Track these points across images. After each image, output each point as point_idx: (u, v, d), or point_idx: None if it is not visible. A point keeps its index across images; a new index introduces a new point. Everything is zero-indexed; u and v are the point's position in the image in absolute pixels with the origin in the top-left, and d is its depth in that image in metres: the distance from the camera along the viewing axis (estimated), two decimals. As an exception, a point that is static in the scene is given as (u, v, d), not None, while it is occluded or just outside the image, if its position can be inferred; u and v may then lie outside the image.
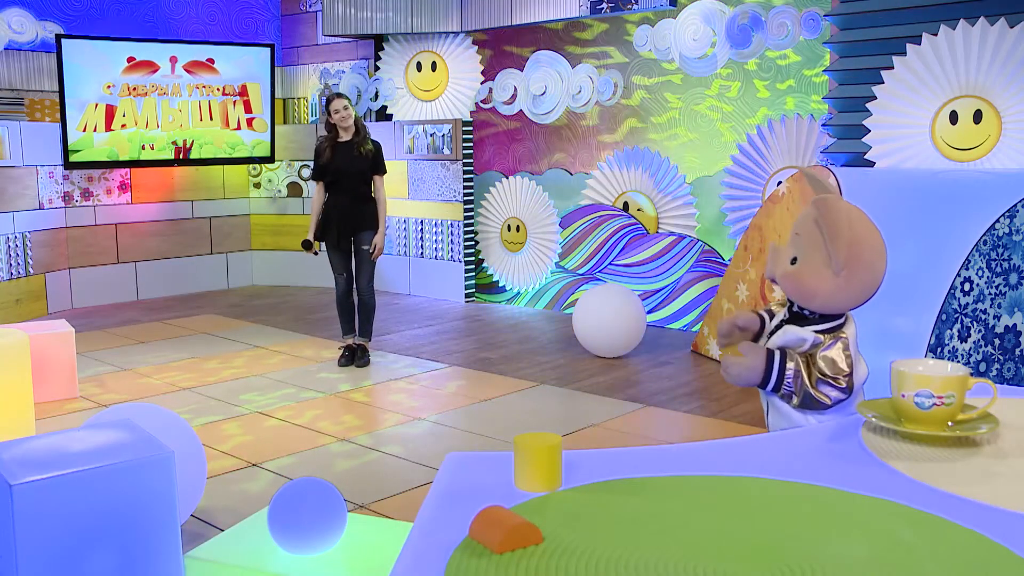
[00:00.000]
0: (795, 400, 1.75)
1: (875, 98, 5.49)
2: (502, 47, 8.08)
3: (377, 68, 8.71)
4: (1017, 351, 4.27)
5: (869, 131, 5.53)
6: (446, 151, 8.09)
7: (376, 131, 7.99)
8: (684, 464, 1.39)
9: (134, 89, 7.95)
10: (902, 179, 4.98)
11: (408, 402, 5.08)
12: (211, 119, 8.41)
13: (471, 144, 8.11)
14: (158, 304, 8.13)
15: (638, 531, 1.13)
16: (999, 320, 4.21)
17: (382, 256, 8.30)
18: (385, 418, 4.80)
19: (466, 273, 8.17)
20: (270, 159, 8.81)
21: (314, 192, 5.85)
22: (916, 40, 5.31)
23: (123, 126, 7.94)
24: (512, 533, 1.06)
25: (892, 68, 5.41)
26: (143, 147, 8.08)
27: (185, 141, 8.30)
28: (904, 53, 5.36)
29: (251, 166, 9.00)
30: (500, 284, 8.18)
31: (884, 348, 3.42)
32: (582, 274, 7.59)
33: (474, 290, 8.27)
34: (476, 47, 8.12)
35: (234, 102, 8.51)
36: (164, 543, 2.29)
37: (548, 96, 7.58)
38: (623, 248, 7.29)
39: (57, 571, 2.14)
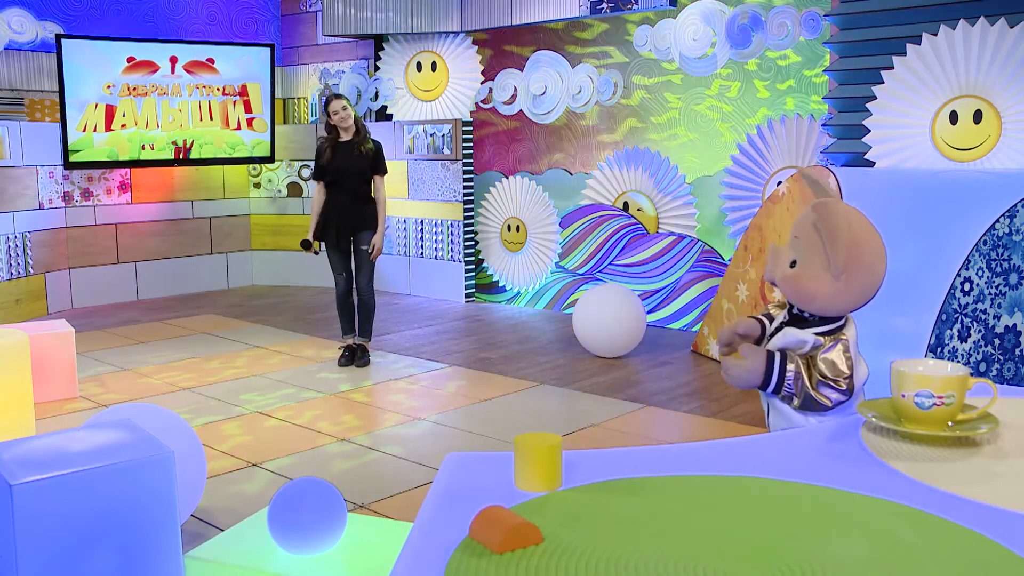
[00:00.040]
0: (796, 402, 1.75)
1: (875, 98, 5.49)
2: (502, 47, 8.08)
3: (377, 68, 8.71)
4: (1017, 351, 4.27)
5: (869, 131, 5.53)
6: (446, 151, 8.09)
7: (376, 131, 7.99)
8: (684, 464, 1.39)
9: (134, 89, 7.95)
10: (902, 179, 4.98)
11: (408, 402, 5.08)
12: (211, 119, 8.41)
13: (471, 144, 8.11)
14: (158, 304, 8.13)
15: (638, 531, 1.13)
16: (999, 320, 4.21)
17: (382, 256, 8.31)
18: (385, 418, 4.80)
19: (466, 273, 8.17)
20: (270, 159, 8.81)
21: (314, 192, 5.86)
22: (916, 40, 5.31)
23: (123, 126, 7.94)
24: (512, 533, 1.06)
25: (892, 68, 5.41)
26: (143, 147, 8.08)
27: (185, 141, 8.31)
28: (904, 53, 5.36)
29: (251, 166, 9.00)
30: (500, 284, 8.18)
31: (884, 348, 3.42)
32: (582, 274, 7.59)
33: (474, 290, 8.27)
34: (476, 47, 8.12)
35: (234, 102, 8.51)
36: (164, 543, 2.29)
37: (548, 96, 7.58)
38: (623, 248, 7.29)
39: (57, 571, 2.14)
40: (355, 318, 5.92)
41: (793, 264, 1.75)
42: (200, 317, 7.49)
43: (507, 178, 8.07)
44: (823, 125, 5.99)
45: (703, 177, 6.85)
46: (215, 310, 7.81)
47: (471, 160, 8.11)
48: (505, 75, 7.83)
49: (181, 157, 8.32)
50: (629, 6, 6.77)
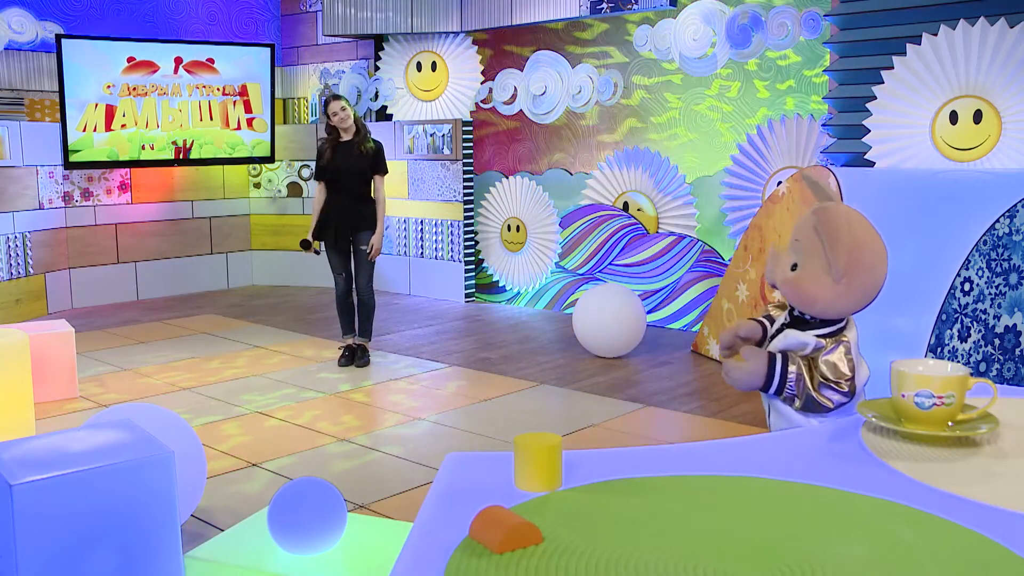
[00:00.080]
0: (797, 403, 1.75)
1: (875, 98, 5.49)
2: (502, 47, 8.08)
3: (377, 68, 8.71)
4: (1017, 351, 4.27)
5: (869, 131, 5.53)
6: (446, 151, 8.09)
7: (376, 131, 7.98)
8: (684, 464, 1.39)
9: (134, 89, 7.95)
10: (902, 179, 4.98)
11: (408, 402, 5.08)
12: (211, 119, 8.41)
13: (471, 144, 8.11)
14: (158, 304, 8.13)
15: (638, 531, 1.13)
16: (999, 320, 4.21)
17: (382, 256, 8.31)
18: (385, 418, 4.80)
19: (466, 273, 8.17)
20: (270, 159, 8.81)
21: (315, 192, 5.86)
22: (916, 40, 5.31)
23: (123, 126, 7.94)
24: (512, 533, 1.06)
25: (892, 68, 5.41)
26: (143, 147, 8.08)
27: (185, 141, 8.31)
28: (904, 53, 5.36)
29: (251, 166, 9.01)
30: (500, 284, 8.18)
31: (884, 348, 3.41)
32: (582, 274, 7.59)
33: (474, 290, 8.27)
34: (476, 47, 8.12)
35: (234, 102, 8.51)
36: (164, 543, 2.29)
37: (548, 96, 7.58)
38: (623, 248, 7.29)
39: (57, 571, 2.14)
40: (355, 318, 5.91)
41: (794, 267, 1.75)
42: (200, 317, 7.49)
43: (507, 178, 8.07)
44: (823, 125, 5.99)
45: (703, 177, 6.85)
46: (215, 310, 7.81)
47: (471, 160, 8.11)
48: (505, 75, 7.83)
49: (181, 157, 8.32)
50: (629, 6, 6.77)
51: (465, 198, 8.09)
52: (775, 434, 1.60)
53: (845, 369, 1.71)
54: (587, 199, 7.51)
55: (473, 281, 8.25)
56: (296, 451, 4.25)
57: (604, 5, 6.90)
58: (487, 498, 1.21)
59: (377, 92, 8.66)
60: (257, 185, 9.11)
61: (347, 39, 8.93)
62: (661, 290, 7.06)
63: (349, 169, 5.69)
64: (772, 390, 1.76)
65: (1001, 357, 4.23)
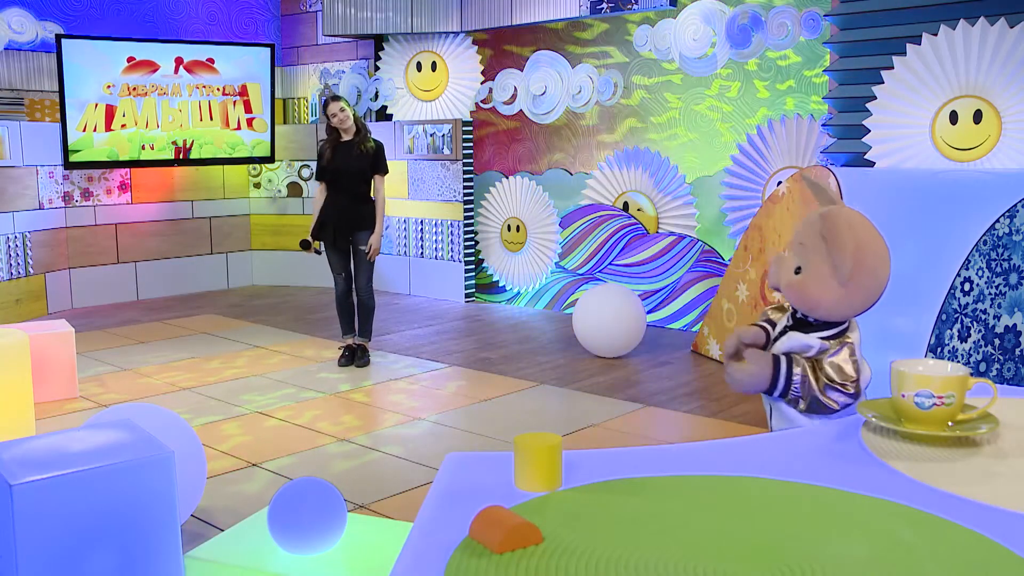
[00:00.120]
0: (802, 404, 1.75)
1: (875, 98, 5.49)
2: (502, 47, 8.08)
3: (377, 68, 8.71)
4: (1017, 351, 4.27)
5: (869, 131, 5.53)
6: (446, 151, 8.09)
7: (376, 131, 7.98)
8: (684, 464, 1.39)
9: (134, 89, 7.95)
10: (902, 179, 4.98)
11: (408, 402, 5.08)
12: (211, 119, 8.41)
13: (471, 144, 8.11)
14: (158, 304, 8.13)
15: (638, 531, 1.13)
16: (999, 320, 4.21)
17: (382, 256, 8.31)
18: (385, 418, 4.80)
19: (466, 273, 8.17)
20: (270, 159, 8.81)
21: (315, 192, 5.86)
22: (916, 40, 5.31)
23: (123, 126, 7.94)
24: (512, 533, 1.06)
25: (892, 68, 5.41)
26: (143, 147, 8.08)
27: (185, 141, 8.31)
28: (904, 53, 5.36)
29: (251, 166, 9.01)
30: (500, 284, 8.18)
31: (884, 348, 3.41)
32: (582, 274, 7.59)
33: (474, 290, 8.27)
34: (476, 47, 8.12)
35: (234, 102, 8.51)
36: (164, 543, 2.29)
37: (548, 96, 7.58)
38: (623, 248, 7.29)
39: (57, 571, 2.14)
40: (355, 318, 5.91)
41: (798, 271, 1.75)
42: (200, 317, 7.49)
43: (507, 178, 8.07)
44: (823, 125, 5.99)
45: (703, 177, 6.85)
46: (215, 310, 7.81)
47: (471, 160, 8.11)
48: (505, 75, 7.83)
49: (181, 157, 8.32)
50: (629, 6, 6.77)
51: (465, 198, 8.09)
52: (775, 434, 1.60)
53: (850, 371, 1.72)
54: (587, 199, 7.51)
55: (473, 281, 8.25)
56: (296, 451, 4.25)
57: (604, 5, 6.90)
58: (487, 498, 1.21)
59: (377, 92, 8.66)
60: (257, 185, 9.11)
61: (347, 39, 8.93)
62: (661, 290, 7.06)
63: (349, 169, 5.69)
64: (777, 392, 1.76)
65: (1001, 357, 4.23)
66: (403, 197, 8.44)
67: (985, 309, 4.16)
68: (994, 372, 4.22)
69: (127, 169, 8.18)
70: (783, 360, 1.75)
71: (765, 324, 1.92)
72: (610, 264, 7.39)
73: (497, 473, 1.32)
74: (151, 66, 8.01)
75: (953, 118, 5.22)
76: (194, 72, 8.24)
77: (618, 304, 5.91)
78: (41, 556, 2.12)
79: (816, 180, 1.91)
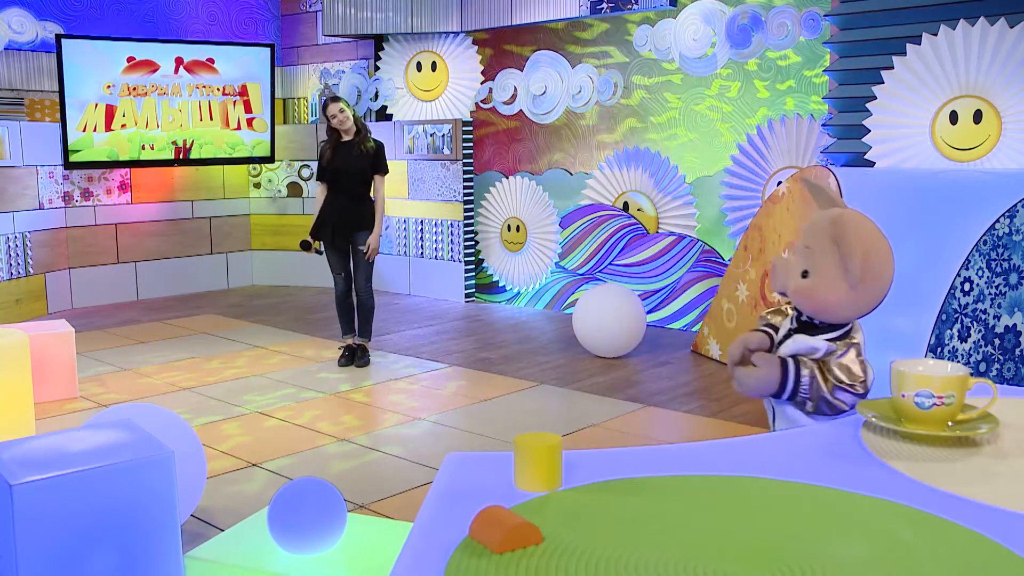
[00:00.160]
0: (809, 406, 1.75)
1: (875, 98, 5.49)
2: (502, 47, 8.08)
3: (377, 68, 8.71)
4: (1017, 351, 4.27)
5: (869, 131, 5.53)
6: (446, 151, 8.09)
7: (376, 131, 7.98)
8: (684, 464, 1.39)
9: (134, 89, 7.95)
10: (902, 179, 4.98)
11: (408, 402, 5.08)
12: (211, 119, 8.41)
13: (471, 144, 8.11)
14: (158, 304, 8.13)
15: (638, 531, 1.13)
16: (999, 320, 4.21)
17: (382, 256, 8.32)
18: (385, 418, 4.80)
19: (466, 273, 8.17)
20: (270, 159, 8.81)
21: (316, 192, 5.87)
22: (916, 40, 5.31)
23: (123, 126, 7.94)
24: (512, 533, 1.06)
25: (892, 68, 5.41)
26: (143, 147, 8.08)
27: (185, 141, 8.31)
28: (904, 53, 5.36)
29: (251, 166, 9.01)
30: (500, 284, 8.18)
31: (884, 348, 3.42)
32: (582, 274, 7.59)
33: (474, 290, 8.27)
34: (476, 47, 8.12)
35: (234, 102, 8.51)
36: (164, 543, 2.29)
37: (548, 96, 7.58)
38: (623, 248, 7.30)
39: (57, 571, 2.14)
40: (355, 318, 5.92)
41: (804, 274, 1.74)
42: (200, 317, 7.49)
43: (507, 178, 8.07)
44: (823, 125, 5.99)
45: (703, 177, 6.85)
46: (215, 310, 7.81)
47: (471, 160, 8.11)
48: (505, 75, 7.83)
49: (181, 157, 8.32)
50: (629, 6, 6.77)
51: (465, 198, 8.09)
52: (775, 434, 1.60)
53: (859, 371, 1.72)
54: (587, 199, 7.51)
55: (473, 281, 8.25)
56: (296, 451, 4.25)
57: (604, 5, 6.90)
58: (487, 498, 1.21)
59: (377, 92, 8.67)
60: (257, 185, 9.11)
61: (347, 39, 8.93)
62: (661, 290, 7.06)
63: (349, 169, 5.69)
64: (786, 395, 1.76)
65: (1001, 357, 4.23)
66: (403, 197, 8.44)
67: (985, 309, 4.16)
68: (994, 372, 4.22)
69: (127, 169, 8.18)
70: (791, 362, 1.75)
71: (767, 329, 1.92)
72: (610, 264, 7.39)
73: (497, 473, 1.32)
74: (151, 66, 8.01)
75: (953, 118, 5.22)
76: (194, 72, 8.24)
77: (618, 304, 5.91)
78: (41, 556, 2.12)
79: (815, 182, 1.91)
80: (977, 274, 4.10)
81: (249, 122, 8.61)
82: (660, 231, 7.09)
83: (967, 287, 4.09)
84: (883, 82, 5.45)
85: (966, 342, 4.12)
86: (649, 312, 6.91)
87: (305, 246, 5.81)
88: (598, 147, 7.52)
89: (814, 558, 1.05)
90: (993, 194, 4.30)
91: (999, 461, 1.39)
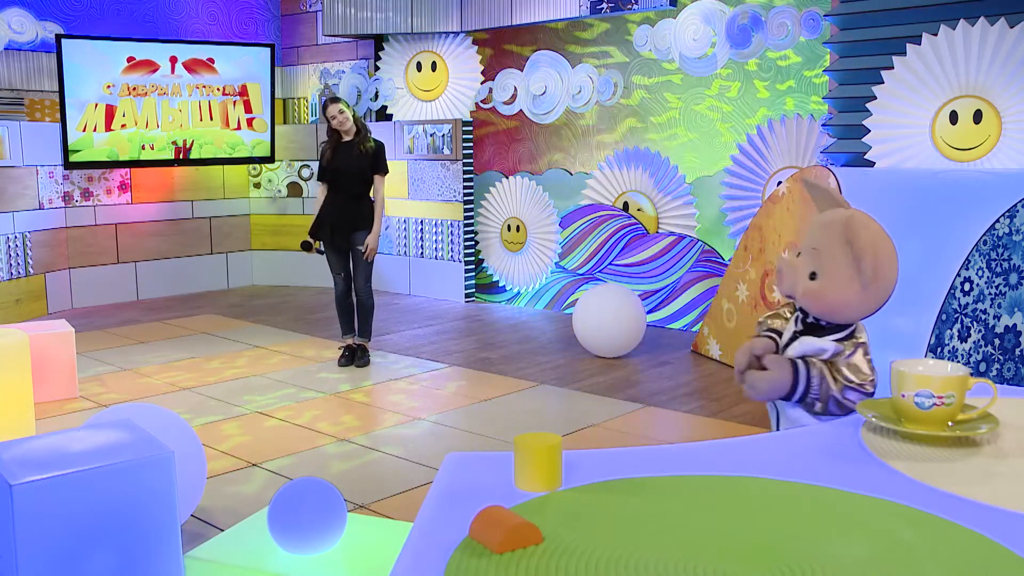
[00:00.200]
0: (819, 407, 1.75)
1: (875, 98, 5.49)
2: (502, 47, 8.08)
3: (377, 68, 8.71)
4: (1017, 351, 4.27)
5: (869, 131, 5.53)
6: (446, 151, 8.09)
7: (376, 131, 7.98)
8: (684, 464, 1.39)
9: (134, 89, 7.95)
10: (902, 179, 4.98)
11: (408, 402, 5.08)
12: (211, 119, 8.41)
13: (471, 144, 8.11)
14: (158, 304, 8.13)
15: (638, 531, 1.13)
16: (999, 320, 4.21)
17: (382, 256, 8.32)
18: (385, 418, 4.80)
19: (466, 273, 8.17)
20: (270, 159, 8.81)
21: (316, 192, 5.87)
22: (916, 40, 5.31)
23: (123, 126, 7.94)
24: (512, 533, 1.06)
25: (892, 68, 5.41)
26: (143, 147, 8.08)
27: (185, 141, 8.31)
28: (904, 53, 5.36)
29: (251, 166, 9.01)
30: (500, 284, 8.18)
31: (884, 348, 3.42)
32: (582, 274, 7.59)
33: (474, 290, 8.27)
34: (476, 47, 8.12)
35: (234, 102, 8.51)
36: (164, 543, 2.29)
37: (548, 96, 7.58)
38: (623, 248, 7.30)
39: (57, 571, 2.14)
40: (354, 318, 5.92)
41: (812, 276, 1.74)
42: (200, 317, 7.49)
43: (507, 178, 8.07)
44: (823, 125, 5.99)
45: (703, 177, 6.85)
46: (215, 310, 7.81)
47: (471, 160, 8.11)
48: (505, 75, 7.83)
49: (181, 157, 8.32)
50: (629, 6, 6.77)
51: (465, 198, 8.09)
52: (775, 434, 1.60)
53: (867, 370, 1.73)
54: (587, 199, 7.51)
55: (473, 281, 8.25)
56: (296, 451, 4.25)
57: (604, 5, 6.90)
58: (487, 498, 1.21)
59: (377, 92, 8.66)
60: (257, 185, 9.11)
61: (347, 39, 8.93)
62: (661, 290, 7.06)
63: (349, 169, 5.69)
64: (797, 396, 1.76)
65: (1001, 357, 4.23)
66: (403, 197, 8.44)
67: (985, 309, 4.16)
68: (994, 372, 4.22)
69: (127, 169, 8.18)
70: (801, 364, 1.75)
71: (770, 334, 1.92)
72: (610, 264, 7.39)
73: (497, 473, 1.32)
74: (151, 66, 8.01)
75: (953, 118, 5.22)
76: (194, 72, 8.24)
77: (618, 304, 5.91)
78: (41, 556, 2.12)
79: (815, 182, 1.91)
80: (977, 274, 4.11)
81: (249, 122, 8.61)
82: (660, 231, 7.09)
83: (967, 287, 4.09)
84: (883, 82, 5.45)
85: (966, 342, 4.12)
86: (649, 312, 6.91)
87: (306, 247, 5.81)
88: (598, 147, 7.52)
89: (814, 558, 1.05)
90: (993, 194, 4.30)
91: (999, 461, 1.39)
